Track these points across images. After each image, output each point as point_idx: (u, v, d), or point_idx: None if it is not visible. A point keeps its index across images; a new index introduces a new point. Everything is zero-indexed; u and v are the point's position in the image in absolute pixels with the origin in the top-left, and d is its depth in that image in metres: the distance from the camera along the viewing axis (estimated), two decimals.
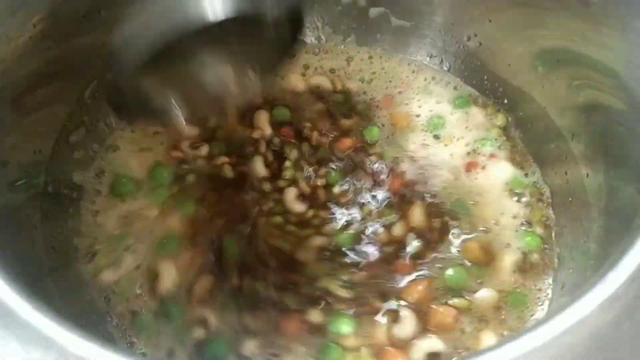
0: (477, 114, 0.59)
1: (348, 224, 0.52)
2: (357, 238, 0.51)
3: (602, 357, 0.22)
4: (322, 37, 0.64)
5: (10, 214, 0.44)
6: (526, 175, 0.56)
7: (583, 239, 0.47)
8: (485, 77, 0.59)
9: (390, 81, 0.61)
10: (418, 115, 0.59)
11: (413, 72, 0.62)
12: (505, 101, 0.59)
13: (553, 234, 0.52)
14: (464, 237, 0.51)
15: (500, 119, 0.58)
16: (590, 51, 0.45)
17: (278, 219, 0.52)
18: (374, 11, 0.62)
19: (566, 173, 0.52)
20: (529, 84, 0.55)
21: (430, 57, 0.62)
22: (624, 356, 0.21)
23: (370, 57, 0.63)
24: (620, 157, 0.45)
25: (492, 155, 0.56)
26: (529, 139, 0.57)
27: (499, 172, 0.56)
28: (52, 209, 0.49)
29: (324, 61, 0.62)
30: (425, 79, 0.61)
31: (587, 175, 0.49)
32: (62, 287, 0.44)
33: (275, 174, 0.55)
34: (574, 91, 0.50)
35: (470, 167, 0.56)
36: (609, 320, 0.22)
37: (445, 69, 0.62)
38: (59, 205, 0.51)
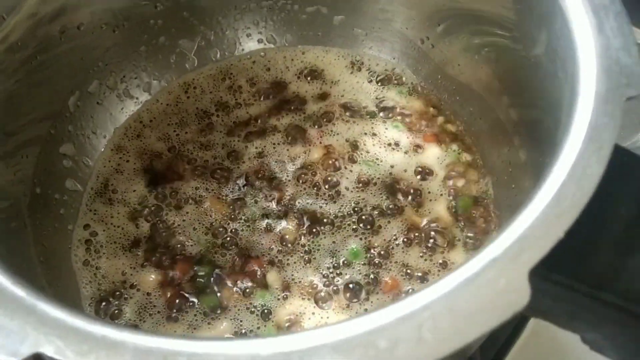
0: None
1: None
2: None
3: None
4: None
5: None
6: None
7: None
8: (439, 77, 0.64)
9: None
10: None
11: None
12: (457, 98, 0.64)
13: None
14: None
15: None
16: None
17: None
18: (337, 19, 0.67)
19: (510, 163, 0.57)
20: (477, 81, 0.60)
21: (392, 59, 0.67)
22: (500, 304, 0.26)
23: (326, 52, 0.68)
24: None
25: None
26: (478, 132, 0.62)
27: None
28: (40, 209, 0.53)
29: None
30: (380, 80, 0.66)
31: (526, 162, 0.54)
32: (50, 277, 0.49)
33: None
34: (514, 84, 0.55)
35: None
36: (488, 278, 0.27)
37: (406, 68, 0.66)
38: (47, 206, 0.55)
